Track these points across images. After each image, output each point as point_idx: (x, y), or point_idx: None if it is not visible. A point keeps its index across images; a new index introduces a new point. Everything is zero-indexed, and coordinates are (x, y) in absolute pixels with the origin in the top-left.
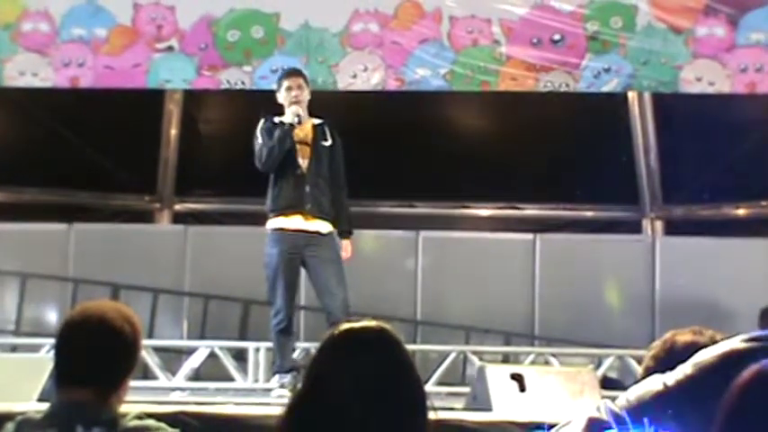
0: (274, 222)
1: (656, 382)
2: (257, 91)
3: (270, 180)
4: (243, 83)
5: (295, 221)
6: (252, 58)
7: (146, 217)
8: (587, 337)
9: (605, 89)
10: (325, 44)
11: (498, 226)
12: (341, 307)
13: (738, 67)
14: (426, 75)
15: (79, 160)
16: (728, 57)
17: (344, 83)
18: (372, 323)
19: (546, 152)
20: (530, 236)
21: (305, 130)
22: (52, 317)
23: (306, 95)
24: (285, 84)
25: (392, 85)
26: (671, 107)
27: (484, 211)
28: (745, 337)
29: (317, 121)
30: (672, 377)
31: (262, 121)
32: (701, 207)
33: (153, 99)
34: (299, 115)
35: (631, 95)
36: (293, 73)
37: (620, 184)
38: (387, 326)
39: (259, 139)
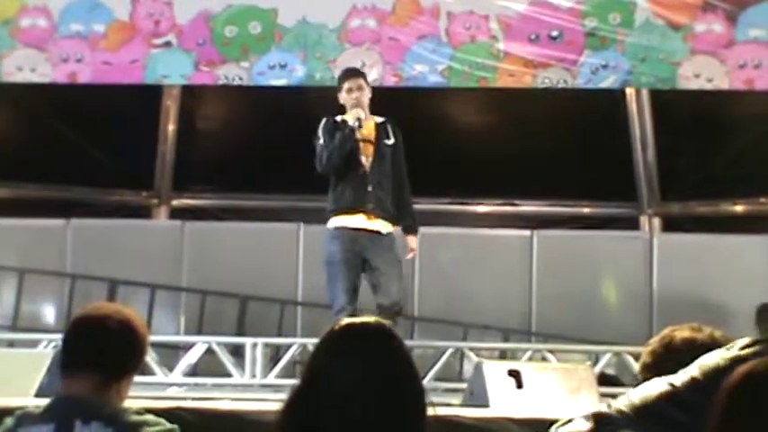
0: (336, 221)
1: (661, 384)
2: (255, 87)
3: (331, 179)
4: (240, 78)
5: (357, 220)
6: (249, 53)
7: (143, 212)
8: (585, 333)
9: (603, 85)
10: (323, 40)
11: (495, 222)
12: (394, 308)
13: (737, 63)
14: (424, 71)
15: (77, 156)
16: (727, 53)
17: None
18: (372, 319)
19: (543, 148)
20: (527, 232)
21: (368, 128)
22: (50, 312)
23: (366, 95)
24: (345, 85)
25: (390, 81)
26: (669, 103)
27: (481, 208)
28: (749, 341)
29: (380, 120)
30: (678, 379)
31: (323, 120)
32: (699, 204)
33: (150, 94)
34: (359, 119)
35: (629, 92)
36: (353, 74)
37: (618, 181)
38: (386, 322)
39: (320, 140)
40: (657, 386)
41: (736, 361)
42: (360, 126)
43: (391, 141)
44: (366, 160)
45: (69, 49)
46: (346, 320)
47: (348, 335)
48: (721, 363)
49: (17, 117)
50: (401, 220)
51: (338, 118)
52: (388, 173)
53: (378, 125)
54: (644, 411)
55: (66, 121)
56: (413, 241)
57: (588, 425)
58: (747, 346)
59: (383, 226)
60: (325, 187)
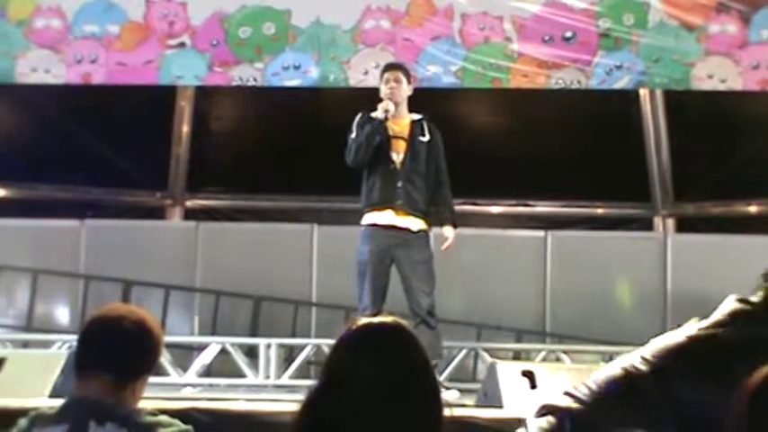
0: (367, 218)
1: (615, 368)
2: (269, 88)
3: (363, 176)
4: (254, 79)
5: (386, 216)
6: (263, 54)
7: (157, 213)
8: (598, 334)
9: (617, 86)
10: (337, 41)
11: (510, 223)
12: (426, 308)
13: (750, 64)
14: (438, 72)
15: (91, 156)
16: (741, 54)
17: (356, 80)
18: (389, 319)
19: (557, 149)
20: (541, 233)
21: (401, 125)
22: (64, 313)
23: (404, 90)
24: (384, 76)
25: None
26: (683, 104)
27: (495, 208)
28: (711, 322)
29: (417, 117)
30: (631, 361)
31: (358, 115)
32: (713, 204)
33: (165, 95)
34: (387, 111)
35: (643, 92)
36: (393, 66)
37: (632, 181)
38: (403, 321)
39: (352, 134)
40: (612, 370)
41: (692, 339)
42: (386, 118)
43: (426, 138)
44: (397, 156)
45: (83, 50)
46: (364, 320)
47: (365, 334)
48: (676, 341)
49: (31, 118)
50: (439, 213)
51: (373, 113)
52: (422, 170)
53: (413, 122)
54: (599, 398)
55: (80, 122)
56: (449, 231)
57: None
58: (708, 327)
59: (413, 223)
60: (339, 188)
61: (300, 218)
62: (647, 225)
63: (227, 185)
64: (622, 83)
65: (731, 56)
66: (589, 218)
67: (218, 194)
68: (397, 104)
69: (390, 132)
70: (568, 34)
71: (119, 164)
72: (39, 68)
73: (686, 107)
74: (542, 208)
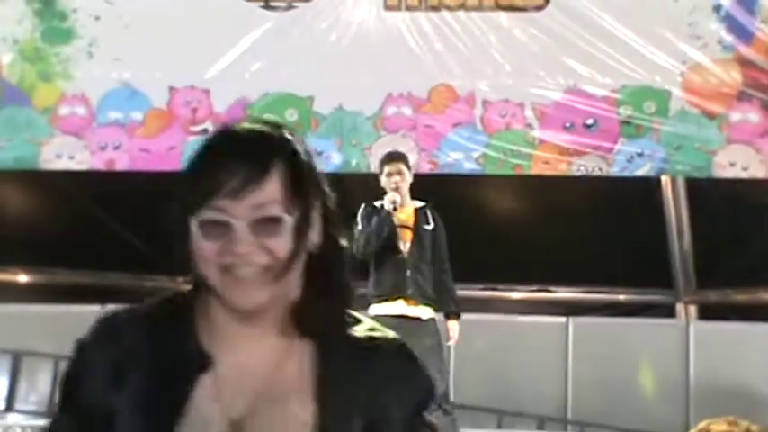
0: (376, 309)
1: None
2: None
3: (370, 265)
4: None
5: (397, 307)
6: None
7: None
8: (621, 422)
9: (639, 173)
10: (359, 127)
11: (530, 309)
12: (440, 394)
13: None
14: (459, 158)
15: (112, 241)
16: (762, 142)
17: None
18: None
19: (578, 234)
20: (562, 319)
21: (407, 213)
22: None
23: (407, 180)
24: (386, 170)
25: (425, 168)
26: (705, 191)
27: (515, 294)
28: None
29: (420, 205)
30: None
31: (362, 206)
32: (736, 291)
33: None
34: (395, 202)
35: (665, 179)
36: (394, 158)
37: (654, 268)
38: None
39: (358, 226)
40: None
41: None
42: (395, 209)
43: (430, 227)
44: (404, 245)
45: (107, 137)
46: None
47: None
48: None
49: (53, 202)
50: (443, 305)
51: (377, 203)
52: (428, 258)
53: (417, 210)
54: None
55: (100, 206)
56: (454, 327)
57: None
58: None
59: (424, 312)
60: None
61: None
62: (669, 312)
63: None
64: (644, 170)
65: (753, 144)
66: (611, 304)
67: None
68: (402, 197)
69: (396, 221)
70: (590, 121)
71: (140, 249)
72: (63, 155)
73: (708, 193)
74: (563, 294)
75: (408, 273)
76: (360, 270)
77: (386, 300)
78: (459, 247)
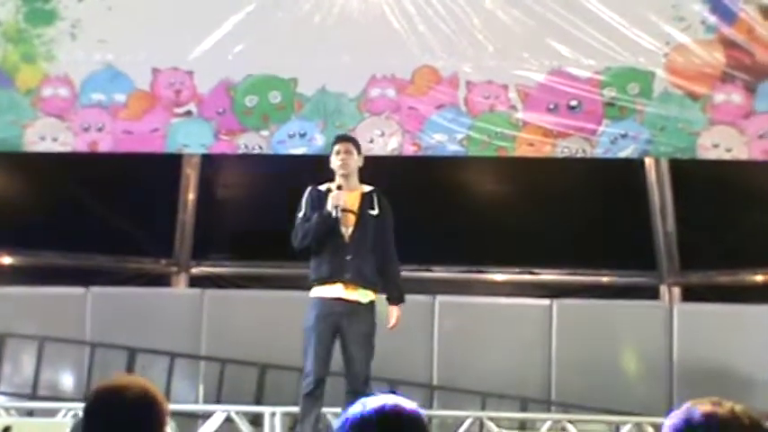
0: (315, 292)
1: None
2: (275, 156)
3: (312, 248)
4: (260, 147)
5: (335, 290)
6: (269, 122)
7: (162, 280)
8: (604, 403)
9: (622, 155)
10: (343, 109)
11: (515, 291)
12: (363, 381)
13: (756, 133)
14: (443, 140)
15: (96, 223)
16: (746, 123)
17: (362, 148)
18: (406, 403)
19: (562, 217)
20: (546, 301)
21: (351, 198)
22: (69, 381)
23: (354, 160)
24: (335, 148)
25: (409, 150)
26: (688, 173)
27: (500, 276)
28: None
29: (367, 189)
30: None
31: (308, 189)
32: (719, 273)
33: (170, 163)
34: (337, 206)
35: (648, 161)
36: (344, 138)
37: (637, 250)
38: (419, 410)
39: (301, 211)
40: None
41: None
42: (337, 216)
43: (375, 212)
44: (346, 230)
45: (90, 119)
46: (378, 403)
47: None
48: None
49: (37, 185)
50: (387, 291)
51: (322, 187)
52: (370, 243)
53: (363, 195)
54: None
55: (85, 189)
56: (395, 312)
57: None
58: None
59: (362, 295)
60: None
61: (305, 285)
62: (652, 294)
63: (233, 252)
64: (627, 152)
65: (736, 125)
66: (594, 286)
67: (223, 262)
68: (347, 176)
69: (338, 215)
70: (573, 103)
71: (124, 231)
72: (47, 137)
73: (692, 176)
74: (547, 276)
75: (349, 257)
76: (305, 252)
77: (325, 283)
78: (443, 229)
